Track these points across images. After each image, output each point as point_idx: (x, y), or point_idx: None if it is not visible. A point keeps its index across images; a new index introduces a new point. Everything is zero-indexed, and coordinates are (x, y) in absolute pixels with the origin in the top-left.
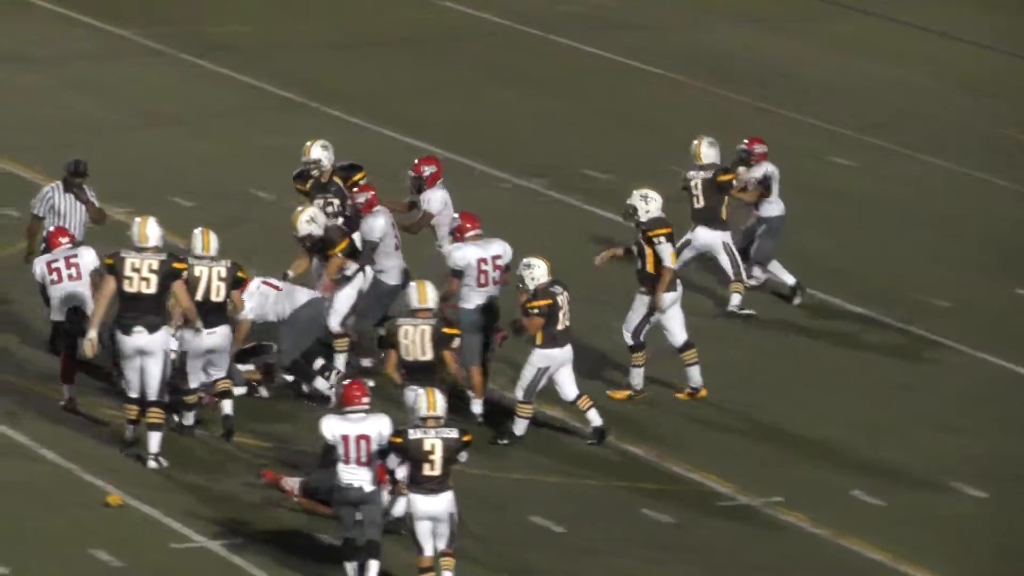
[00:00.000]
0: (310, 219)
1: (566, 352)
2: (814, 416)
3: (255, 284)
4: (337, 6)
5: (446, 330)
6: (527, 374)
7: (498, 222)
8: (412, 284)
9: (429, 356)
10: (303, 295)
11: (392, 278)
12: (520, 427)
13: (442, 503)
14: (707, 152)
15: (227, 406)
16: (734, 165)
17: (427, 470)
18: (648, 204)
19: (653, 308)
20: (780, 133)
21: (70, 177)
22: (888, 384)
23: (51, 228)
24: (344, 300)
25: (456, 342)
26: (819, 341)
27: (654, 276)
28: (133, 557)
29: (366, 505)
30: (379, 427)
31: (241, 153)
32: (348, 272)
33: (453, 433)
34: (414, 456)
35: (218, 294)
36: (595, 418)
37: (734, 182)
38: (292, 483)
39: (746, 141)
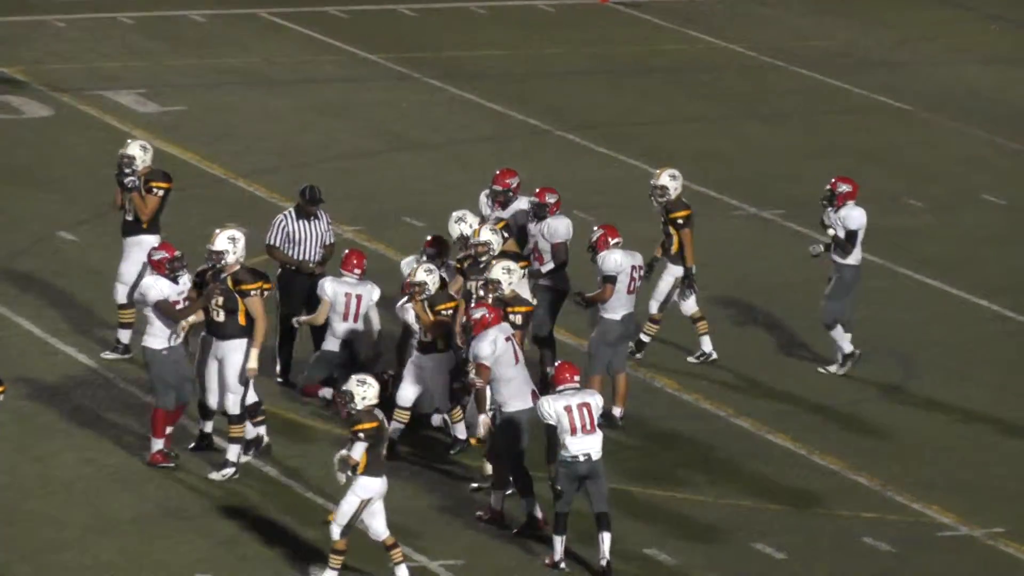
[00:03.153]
0: (458, 219)
1: None
2: None
3: None
4: (589, 34)
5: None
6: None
7: (730, 249)
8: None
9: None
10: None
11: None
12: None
13: None
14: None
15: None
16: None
17: None
18: None
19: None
20: None
21: (305, 204)
22: None
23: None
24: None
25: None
26: None
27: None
28: None
29: (592, 479)
30: (595, 398)
31: (481, 180)
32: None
33: None
34: None
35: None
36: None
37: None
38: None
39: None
